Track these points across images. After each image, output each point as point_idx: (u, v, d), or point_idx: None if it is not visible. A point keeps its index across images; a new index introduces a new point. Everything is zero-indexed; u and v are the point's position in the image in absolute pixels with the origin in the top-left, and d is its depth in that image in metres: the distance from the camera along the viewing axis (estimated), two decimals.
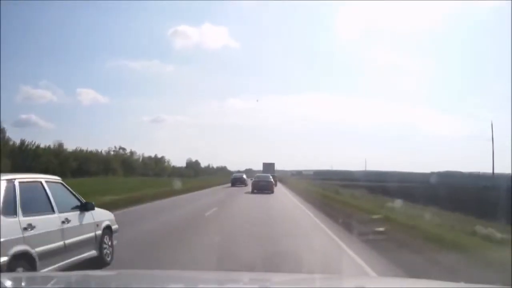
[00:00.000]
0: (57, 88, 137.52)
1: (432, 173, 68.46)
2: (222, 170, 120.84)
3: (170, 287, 2.87)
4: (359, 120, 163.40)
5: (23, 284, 2.47)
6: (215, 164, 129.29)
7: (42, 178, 5.81)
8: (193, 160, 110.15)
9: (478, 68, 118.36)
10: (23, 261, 4.60)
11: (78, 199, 6.36)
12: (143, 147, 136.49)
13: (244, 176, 43.97)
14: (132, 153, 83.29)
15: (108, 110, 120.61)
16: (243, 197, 24.80)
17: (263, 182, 30.33)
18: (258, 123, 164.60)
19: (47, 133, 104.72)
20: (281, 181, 50.10)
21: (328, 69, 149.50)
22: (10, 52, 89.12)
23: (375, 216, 12.47)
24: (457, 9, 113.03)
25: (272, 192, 29.16)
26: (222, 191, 32.15)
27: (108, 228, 7.00)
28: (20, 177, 5.28)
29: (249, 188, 32.27)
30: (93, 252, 6.44)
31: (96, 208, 6.67)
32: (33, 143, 52.48)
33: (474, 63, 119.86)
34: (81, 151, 64.21)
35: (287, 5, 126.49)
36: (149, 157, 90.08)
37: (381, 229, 10.02)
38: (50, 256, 5.24)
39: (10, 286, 2.38)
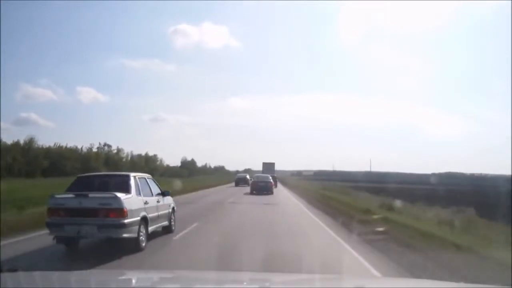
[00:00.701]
0: (57, 86, 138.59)
1: (433, 174, 68.52)
2: (220, 170, 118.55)
3: (169, 287, 2.88)
4: (360, 120, 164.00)
5: (23, 284, 2.48)
6: (213, 163, 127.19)
7: (145, 175, 9.78)
8: (189, 159, 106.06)
9: (479, 68, 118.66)
10: (144, 222, 8.17)
11: (160, 188, 9.96)
12: (142, 146, 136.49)
13: (248, 176, 44.71)
14: (119, 150, 77.39)
15: (108, 109, 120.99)
16: (240, 202, 20.98)
17: (263, 182, 29.14)
18: (258, 123, 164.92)
19: (47, 132, 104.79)
20: (282, 182, 49.18)
21: (329, 69, 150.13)
22: (10, 50, 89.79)
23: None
24: (458, 9, 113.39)
25: (272, 193, 28.02)
26: (210, 196, 25.49)
27: (173, 208, 10.55)
28: (136, 174, 9.01)
29: (248, 188, 31.40)
30: (166, 223, 9.99)
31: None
32: None
33: (474, 63, 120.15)
34: (60, 147, 59.19)
35: (288, 5, 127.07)
36: (139, 156, 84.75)
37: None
38: (153, 221, 8.77)
39: (10, 286, 2.38)
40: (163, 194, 9.85)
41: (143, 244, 8.04)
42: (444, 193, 31.50)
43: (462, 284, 3.05)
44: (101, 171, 61.75)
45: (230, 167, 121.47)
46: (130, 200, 7.87)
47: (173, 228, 10.33)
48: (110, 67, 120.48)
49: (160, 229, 9.55)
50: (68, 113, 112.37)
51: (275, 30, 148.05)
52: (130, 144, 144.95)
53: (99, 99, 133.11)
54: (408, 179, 66.66)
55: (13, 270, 2.65)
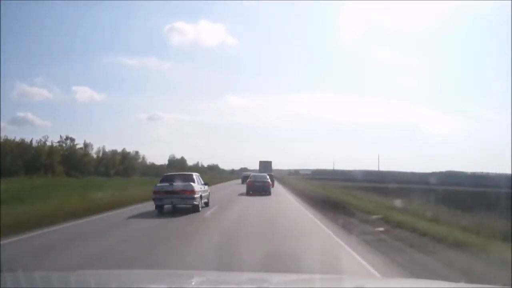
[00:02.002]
0: (53, 85, 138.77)
1: (434, 173, 68.23)
2: (214, 169, 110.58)
3: (169, 287, 2.88)
4: (359, 120, 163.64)
5: (23, 284, 2.48)
6: (210, 162, 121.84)
7: (194, 173, 17.68)
8: (178, 157, 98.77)
9: (479, 68, 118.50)
10: (200, 197, 15.50)
11: (203, 180, 17.01)
12: (139, 145, 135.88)
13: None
14: (86, 145, 69.31)
15: (104, 107, 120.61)
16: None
17: (260, 182, 27.19)
18: (256, 121, 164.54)
19: (44, 132, 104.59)
20: (280, 181, 48.29)
21: (328, 68, 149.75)
22: (6, 49, 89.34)
23: None
24: (458, 9, 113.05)
25: (269, 194, 26.06)
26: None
27: (209, 193, 17.51)
28: (195, 174, 17.23)
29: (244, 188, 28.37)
30: (207, 200, 16.90)
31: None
32: None
33: (475, 63, 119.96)
34: (7, 139, 51.22)
35: (286, 2, 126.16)
36: (113, 152, 76.04)
37: None
38: (202, 198, 15.97)
39: (10, 286, 2.39)
40: (205, 184, 17.35)
41: (200, 208, 15.52)
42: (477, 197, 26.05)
43: (462, 284, 3.05)
44: (55, 169, 55.76)
45: (227, 165, 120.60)
46: (195, 186, 15.45)
47: (209, 204, 17.26)
48: (106, 65, 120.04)
49: (203, 204, 16.36)
50: (65, 112, 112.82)
51: (273, 28, 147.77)
52: (127, 143, 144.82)
53: (95, 98, 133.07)
54: (410, 179, 66.39)
55: (13, 270, 2.66)
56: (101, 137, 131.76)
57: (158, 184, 15.46)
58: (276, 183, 39.12)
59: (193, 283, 2.94)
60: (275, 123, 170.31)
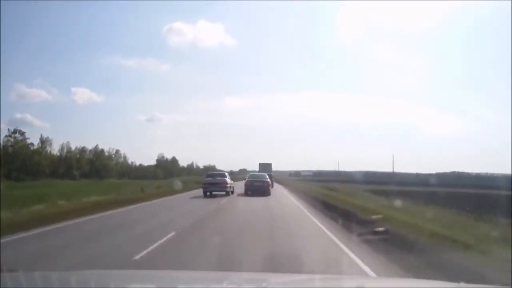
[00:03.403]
0: (52, 87, 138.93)
1: (438, 174, 67.71)
2: (211, 170, 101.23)
3: (168, 287, 2.89)
4: (358, 120, 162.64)
5: (23, 284, 2.50)
6: (207, 163, 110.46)
7: (226, 171, 32.28)
8: (168, 157, 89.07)
9: (479, 68, 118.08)
10: (231, 187, 26.73)
11: (229, 175, 28.43)
12: (137, 146, 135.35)
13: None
14: (43, 141, 56.84)
15: (103, 109, 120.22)
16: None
17: (259, 182, 26.74)
18: (255, 122, 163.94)
19: (43, 133, 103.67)
20: (281, 183, 46.48)
21: (327, 68, 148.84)
22: (4, 50, 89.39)
23: None
24: (458, 9, 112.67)
25: (269, 194, 25.61)
26: None
27: (233, 186, 28.11)
28: (226, 172, 30.54)
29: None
30: (232, 189, 27.11)
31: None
32: None
33: (475, 63, 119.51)
34: None
35: (285, 2, 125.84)
36: (81, 150, 63.27)
37: None
38: (231, 187, 26.86)
39: (10, 286, 2.41)
40: (231, 179, 27.57)
41: (230, 194, 25.44)
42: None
43: (462, 284, 3.04)
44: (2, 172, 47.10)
45: (226, 167, 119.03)
46: (228, 179, 26.23)
47: (233, 193, 26.69)
48: (105, 66, 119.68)
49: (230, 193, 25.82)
50: (63, 114, 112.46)
51: (272, 28, 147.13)
52: (126, 144, 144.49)
53: (94, 99, 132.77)
54: (412, 179, 66.01)
55: (13, 270, 2.68)
56: (100, 138, 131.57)
57: (206, 178, 26.26)
58: (277, 185, 38.38)
59: (192, 283, 2.95)
60: (275, 124, 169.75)
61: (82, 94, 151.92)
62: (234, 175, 44.83)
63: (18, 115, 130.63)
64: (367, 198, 24.10)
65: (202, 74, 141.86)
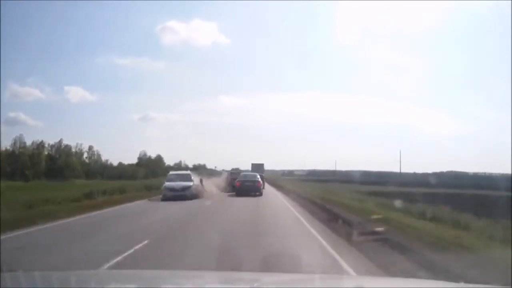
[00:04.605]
0: (45, 85, 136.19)
1: (435, 173, 67.66)
2: (199, 169, 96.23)
3: (168, 287, 2.89)
4: (355, 120, 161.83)
5: (23, 284, 2.49)
6: (201, 162, 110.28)
7: (188, 172, 27.68)
8: (151, 155, 78.08)
9: (479, 68, 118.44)
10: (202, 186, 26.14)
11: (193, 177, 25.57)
12: (131, 145, 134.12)
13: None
14: None
15: (96, 108, 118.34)
16: None
17: (250, 182, 26.74)
18: (249, 121, 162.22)
19: (36, 132, 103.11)
20: (274, 184, 44.40)
21: (323, 67, 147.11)
22: None
23: None
24: (457, 8, 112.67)
25: (260, 194, 25.67)
26: None
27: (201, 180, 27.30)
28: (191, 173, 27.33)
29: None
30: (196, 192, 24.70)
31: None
32: None
33: (474, 63, 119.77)
34: None
35: (280, 2, 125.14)
36: (38, 145, 54.43)
37: None
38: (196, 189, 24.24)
39: (10, 286, 2.40)
40: (201, 181, 26.55)
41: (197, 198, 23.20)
42: None
43: (462, 284, 3.04)
44: None
45: (221, 166, 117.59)
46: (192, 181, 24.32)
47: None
48: (99, 65, 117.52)
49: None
50: (57, 113, 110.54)
51: (266, 27, 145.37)
52: (121, 144, 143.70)
53: (87, 98, 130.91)
54: (411, 179, 65.96)
55: (13, 270, 2.67)
56: (93, 137, 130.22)
57: (168, 183, 24.08)
58: (270, 187, 37.30)
59: (191, 283, 2.94)
60: (269, 123, 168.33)
61: (76, 93, 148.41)
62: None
63: (11, 114, 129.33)
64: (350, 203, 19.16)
65: (196, 73, 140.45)
